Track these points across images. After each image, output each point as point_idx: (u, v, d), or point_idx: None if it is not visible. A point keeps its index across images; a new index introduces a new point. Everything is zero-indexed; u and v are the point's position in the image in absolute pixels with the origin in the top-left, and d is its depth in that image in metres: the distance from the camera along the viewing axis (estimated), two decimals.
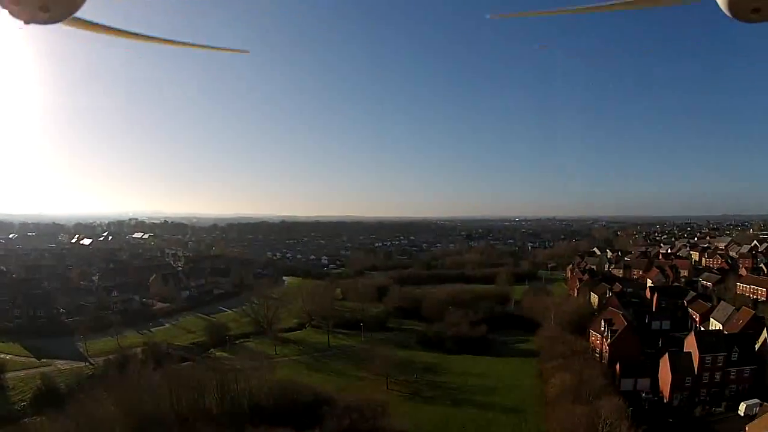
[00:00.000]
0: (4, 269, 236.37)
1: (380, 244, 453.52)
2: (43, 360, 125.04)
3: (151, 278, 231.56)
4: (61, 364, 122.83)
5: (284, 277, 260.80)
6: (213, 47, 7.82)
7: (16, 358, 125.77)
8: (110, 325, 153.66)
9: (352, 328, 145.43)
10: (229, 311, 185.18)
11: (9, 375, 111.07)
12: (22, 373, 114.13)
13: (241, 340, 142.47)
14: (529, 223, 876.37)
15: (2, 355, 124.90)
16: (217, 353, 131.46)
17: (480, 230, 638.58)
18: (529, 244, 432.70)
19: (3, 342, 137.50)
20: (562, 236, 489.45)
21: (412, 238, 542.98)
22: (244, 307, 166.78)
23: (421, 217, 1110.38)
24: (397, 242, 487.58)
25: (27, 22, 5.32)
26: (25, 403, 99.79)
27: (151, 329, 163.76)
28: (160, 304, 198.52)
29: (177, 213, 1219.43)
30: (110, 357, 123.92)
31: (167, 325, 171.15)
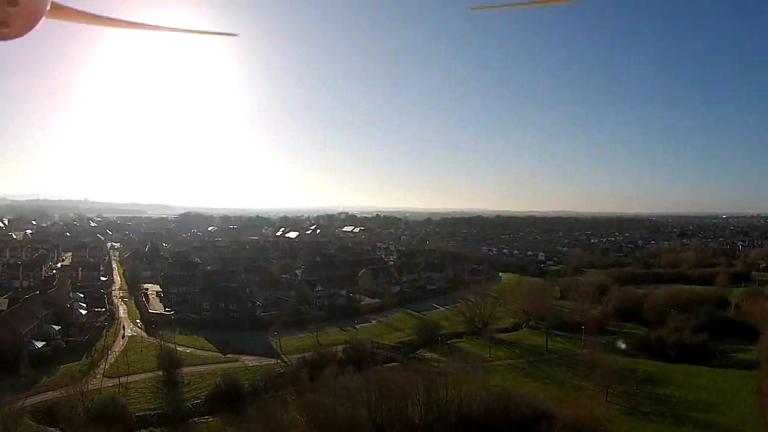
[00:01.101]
0: (199, 261, 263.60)
1: (596, 241, 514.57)
2: (228, 355, 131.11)
3: (359, 272, 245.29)
4: (249, 360, 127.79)
5: (500, 274, 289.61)
6: (201, 31, 8.68)
7: (198, 351, 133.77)
8: (310, 320, 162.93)
9: (571, 330, 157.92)
10: (442, 308, 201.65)
11: (187, 370, 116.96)
12: (202, 368, 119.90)
13: (453, 339, 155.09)
14: (736, 220, 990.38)
15: (183, 348, 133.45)
16: (426, 354, 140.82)
17: (691, 227, 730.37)
18: (739, 242, 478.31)
19: (186, 335, 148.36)
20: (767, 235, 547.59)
21: (627, 234, 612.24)
22: (458, 304, 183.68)
23: (633, 213, 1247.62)
24: (612, 239, 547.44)
25: None
26: (198, 401, 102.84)
27: (356, 326, 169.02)
28: (367, 300, 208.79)
29: (389, 207, 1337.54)
30: (305, 355, 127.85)
31: (374, 321, 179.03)
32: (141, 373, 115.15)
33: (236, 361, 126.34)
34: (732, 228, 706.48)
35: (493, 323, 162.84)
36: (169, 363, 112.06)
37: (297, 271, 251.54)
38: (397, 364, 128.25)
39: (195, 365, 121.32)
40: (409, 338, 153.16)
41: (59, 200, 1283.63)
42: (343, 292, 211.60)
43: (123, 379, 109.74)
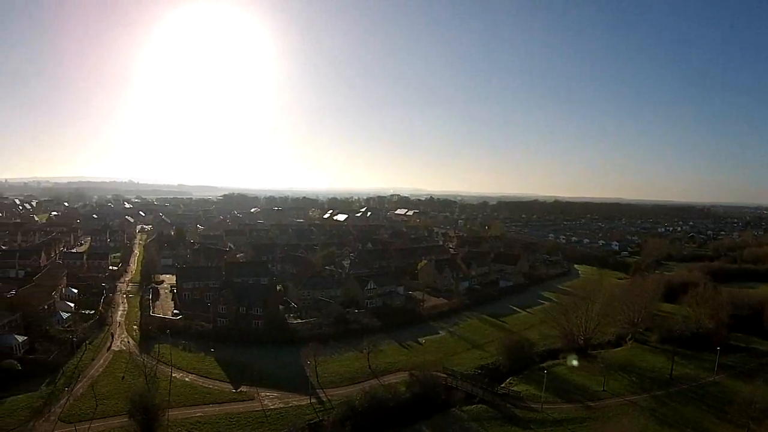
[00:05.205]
0: (230, 248, 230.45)
1: (663, 230, 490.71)
2: (242, 389, 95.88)
3: (419, 264, 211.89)
4: (270, 398, 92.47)
5: (576, 266, 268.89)
6: None
7: (200, 381, 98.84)
8: (360, 331, 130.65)
9: (685, 344, 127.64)
10: (522, 312, 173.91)
11: (176, 414, 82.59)
12: (198, 412, 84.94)
13: (548, 361, 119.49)
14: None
15: (180, 375, 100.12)
16: (519, 386, 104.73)
17: (747, 218, 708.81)
18: None
19: (192, 351, 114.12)
20: None
21: (691, 223, 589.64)
22: (547, 307, 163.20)
23: (683, 201, 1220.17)
24: (679, 228, 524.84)
25: None
26: None
27: (420, 340, 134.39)
28: (431, 299, 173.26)
29: (440, 191, 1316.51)
30: (352, 396, 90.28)
31: (442, 332, 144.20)
32: (111, 417, 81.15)
33: (251, 399, 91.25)
34: None
35: (595, 337, 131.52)
36: (144, 411, 75.77)
37: (344, 262, 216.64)
38: (482, 406, 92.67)
39: (191, 406, 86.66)
40: (492, 360, 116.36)
41: (103, 182, 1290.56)
42: (401, 290, 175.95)
43: (83, 427, 77.24)
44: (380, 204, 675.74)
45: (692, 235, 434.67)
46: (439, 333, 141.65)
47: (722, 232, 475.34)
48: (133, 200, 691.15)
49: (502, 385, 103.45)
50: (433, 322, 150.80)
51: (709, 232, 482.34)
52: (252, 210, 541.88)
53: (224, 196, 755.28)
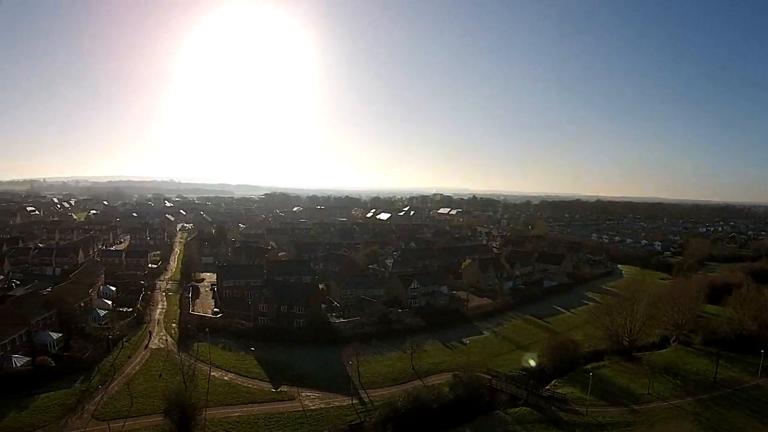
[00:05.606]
0: (272, 246, 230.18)
1: (704, 229, 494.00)
2: (282, 389, 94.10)
3: (463, 263, 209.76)
4: (311, 399, 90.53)
5: (619, 266, 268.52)
6: None
7: (240, 380, 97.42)
8: (403, 331, 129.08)
9: (729, 346, 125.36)
10: (567, 312, 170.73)
11: (214, 413, 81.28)
12: (236, 412, 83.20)
13: (592, 363, 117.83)
14: None
15: (219, 374, 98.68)
16: (564, 389, 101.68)
17: None
18: None
19: (231, 350, 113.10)
20: None
21: (731, 223, 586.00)
22: (592, 307, 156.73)
23: (723, 201, 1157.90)
24: (720, 228, 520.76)
25: None
26: None
27: (464, 340, 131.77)
28: (475, 299, 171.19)
29: (482, 190, 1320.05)
30: (395, 398, 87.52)
31: (486, 333, 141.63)
32: (147, 415, 79.96)
33: (292, 399, 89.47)
34: None
35: (640, 338, 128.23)
36: (181, 409, 74.06)
37: (387, 261, 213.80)
38: (527, 408, 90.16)
39: (229, 405, 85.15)
40: (538, 361, 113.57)
41: (143, 181, 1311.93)
42: (444, 290, 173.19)
43: (117, 425, 76.35)
44: (423, 203, 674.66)
45: (733, 235, 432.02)
46: (483, 333, 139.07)
47: (763, 233, 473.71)
48: (173, 199, 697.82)
49: (547, 387, 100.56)
50: (477, 322, 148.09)
51: (749, 232, 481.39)
52: (294, 209, 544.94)
53: (266, 195, 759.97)
